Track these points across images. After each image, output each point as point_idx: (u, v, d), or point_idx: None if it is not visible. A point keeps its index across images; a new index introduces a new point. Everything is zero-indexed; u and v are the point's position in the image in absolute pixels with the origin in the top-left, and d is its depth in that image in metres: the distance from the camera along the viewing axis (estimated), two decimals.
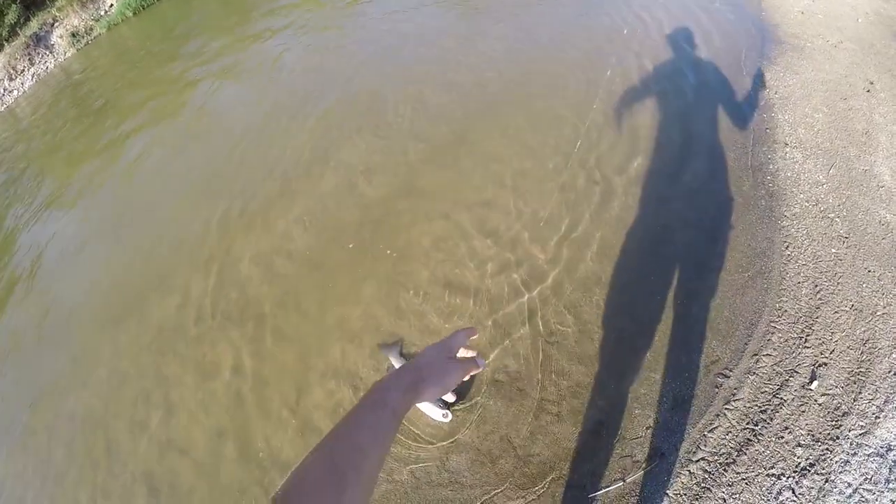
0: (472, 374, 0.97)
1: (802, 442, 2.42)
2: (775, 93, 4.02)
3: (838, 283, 2.94)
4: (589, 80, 4.64)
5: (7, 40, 13.45)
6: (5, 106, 12.41)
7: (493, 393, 2.81)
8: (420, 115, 5.06)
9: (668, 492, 2.34)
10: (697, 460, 2.39)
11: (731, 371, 2.62)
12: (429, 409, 2.74)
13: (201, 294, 4.18)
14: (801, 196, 3.33)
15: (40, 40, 13.61)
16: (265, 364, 3.48)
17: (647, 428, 2.50)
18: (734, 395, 2.54)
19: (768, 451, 2.39)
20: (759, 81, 4.17)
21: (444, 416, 2.71)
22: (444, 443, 2.70)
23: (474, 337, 1.04)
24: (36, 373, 4.45)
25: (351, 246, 3.99)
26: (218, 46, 8.89)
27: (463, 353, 1.02)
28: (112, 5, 13.57)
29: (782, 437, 2.43)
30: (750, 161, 3.55)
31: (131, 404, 3.67)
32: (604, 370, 2.74)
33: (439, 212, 3.94)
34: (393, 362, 3.02)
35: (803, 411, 2.50)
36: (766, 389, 2.55)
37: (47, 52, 13.49)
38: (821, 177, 3.45)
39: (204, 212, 5.04)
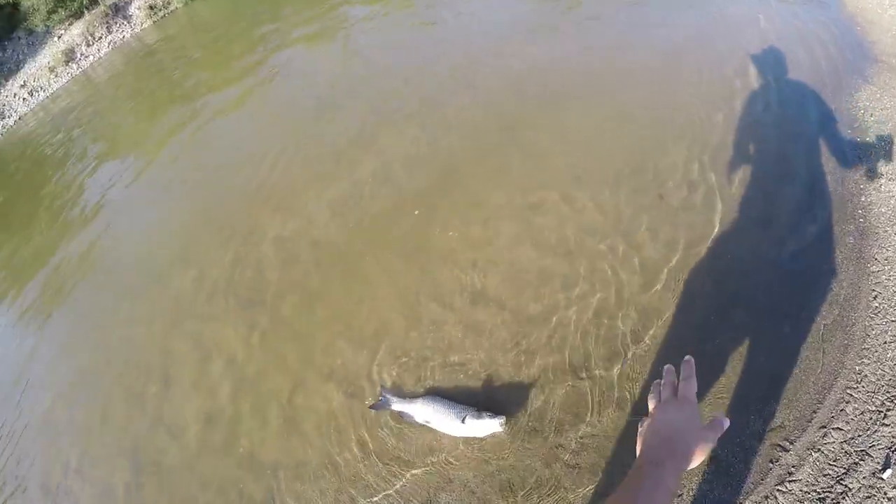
0: None
1: None
2: (871, 115, 3.46)
3: None
4: (671, 87, 4.17)
5: (87, 8, 14.03)
6: (81, 69, 13.02)
7: (506, 428, 2.44)
8: (475, 107, 4.74)
9: None
10: None
11: (791, 444, 2.15)
12: (473, 429, 2.36)
13: (218, 271, 4.14)
14: None
15: (119, 10, 14.16)
16: (264, 354, 3.34)
17: (678, 500, 2.07)
18: (791, 473, 2.08)
19: None
20: (852, 100, 3.62)
21: (501, 424, 2.33)
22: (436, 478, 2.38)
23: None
24: (58, 328, 4.56)
25: (417, 213, 3.79)
26: (289, 31, 8.85)
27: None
28: None
29: None
30: (839, 190, 3.01)
31: (133, 375, 3.66)
32: (636, 422, 2.32)
33: (479, 213, 3.60)
34: (400, 408, 2.59)
35: None
36: (830, 472, 2.08)
37: (124, 22, 14.01)
38: None
39: (238, 189, 5.03)
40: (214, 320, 3.72)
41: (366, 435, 2.64)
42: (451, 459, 2.41)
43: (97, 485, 3.08)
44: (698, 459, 0.84)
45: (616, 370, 2.51)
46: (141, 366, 3.67)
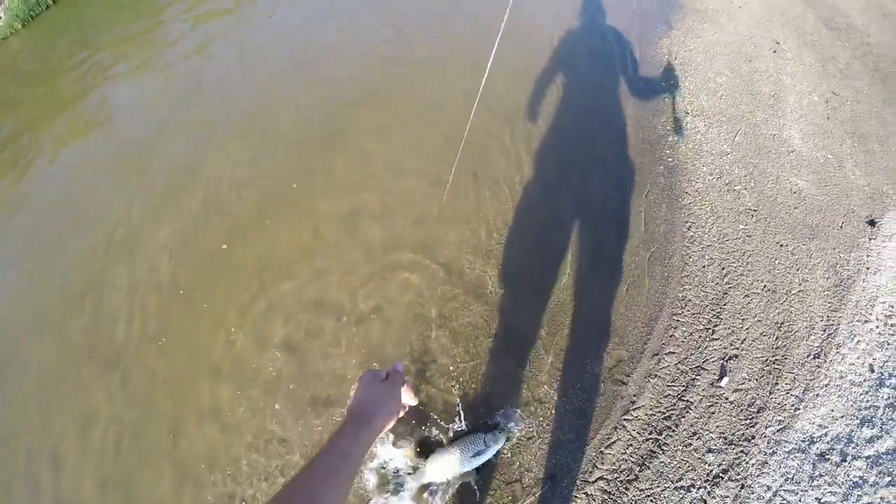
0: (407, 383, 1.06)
1: (713, 447, 2.18)
2: (675, 59, 3.77)
3: (748, 263, 2.72)
4: (472, 59, 4.10)
5: None
6: None
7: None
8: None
9: None
10: (595, 480, 2.10)
11: (629, 376, 2.33)
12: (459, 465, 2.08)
13: (77, 335, 3.76)
14: (704, 169, 3.09)
15: None
16: (139, 408, 3.15)
17: (534, 449, 2.18)
18: (634, 402, 2.26)
19: (675, 462, 2.14)
20: (656, 48, 3.92)
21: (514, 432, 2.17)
22: None
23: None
24: None
25: (224, 247, 3.59)
26: (107, 56, 8.11)
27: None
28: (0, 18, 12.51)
29: (690, 445, 2.18)
30: (647, 135, 3.26)
31: (23, 464, 3.28)
32: (475, 382, 2.36)
33: (309, 222, 3.47)
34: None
35: (713, 413, 2.26)
36: (670, 393, 2.29)
37: None
38: (725, 146, 3.23)
39: (77, 244, 4.56)
40: (84, 386, 3.43)
41: (256, 460, 2.57)
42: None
43: None
44: (382, 419, 0.94)
45: (434, 333, 2.56)
46: (30, 452, 3.33)
